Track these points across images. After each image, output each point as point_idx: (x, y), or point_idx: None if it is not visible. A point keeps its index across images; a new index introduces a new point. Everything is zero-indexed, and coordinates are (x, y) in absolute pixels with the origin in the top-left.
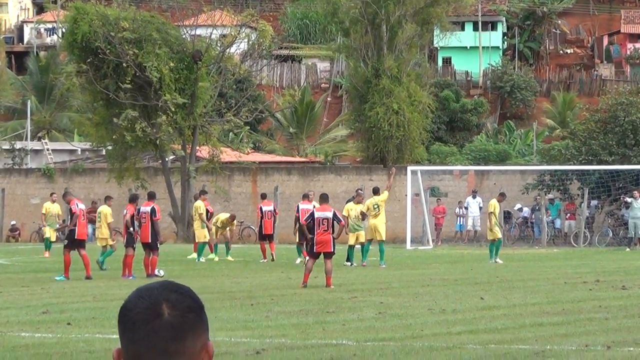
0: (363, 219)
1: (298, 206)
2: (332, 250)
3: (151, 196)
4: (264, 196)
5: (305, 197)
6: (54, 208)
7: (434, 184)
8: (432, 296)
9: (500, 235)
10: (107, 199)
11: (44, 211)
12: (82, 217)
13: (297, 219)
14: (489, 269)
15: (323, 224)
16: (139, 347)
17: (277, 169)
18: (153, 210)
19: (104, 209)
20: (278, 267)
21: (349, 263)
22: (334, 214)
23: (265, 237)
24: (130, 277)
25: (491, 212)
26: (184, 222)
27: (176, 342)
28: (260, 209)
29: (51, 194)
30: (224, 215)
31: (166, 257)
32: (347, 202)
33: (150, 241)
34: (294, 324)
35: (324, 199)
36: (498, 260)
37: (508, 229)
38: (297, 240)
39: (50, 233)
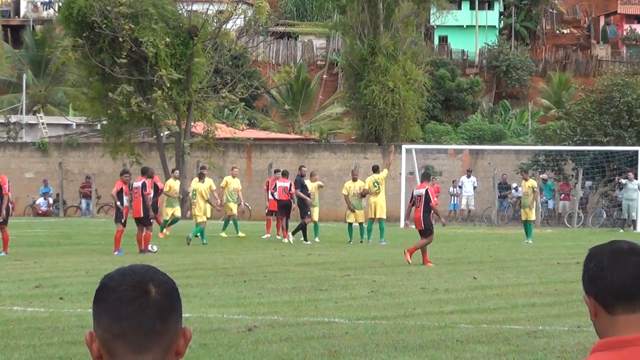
0: (363, 196)
1: (275, 183)
2: (422, 227)
3: (143, 172)
4: (285, 173)
5: (285, 174)
6: (235, 182)
7: (428, 162)
8: (425, 275)
9: (534, 217)
10: (201, 177)
11: (223, 184)
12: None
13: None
14: (482, 248)
15: (418, 201)
16: (125, 325)
17: (272, 146)
18: (144, 185)
19: (199, 186)
20: (272, 244)
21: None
22: (426, 192)
23: (272, 213)
24: (116, 253)
25: (534, 192)
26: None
27: (162, 321)
28: (275, 184)
29: (232, 168)
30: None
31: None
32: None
33: (142, 216)
34: (286, 301)
35: (424, 177)
36: (530, 241)
37: (502, 208)
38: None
39: (232, 207)
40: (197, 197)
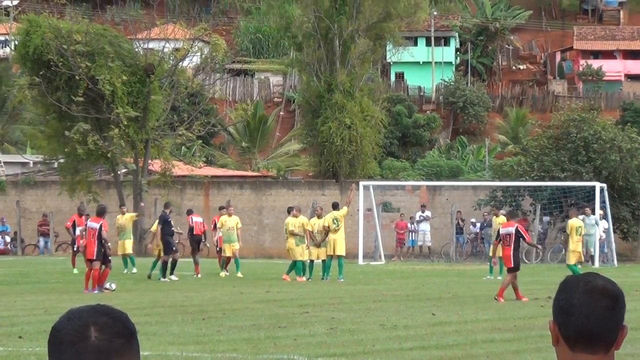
0: (326, 234)
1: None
2: (512, 265)
3: (101, 212)
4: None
5: (190, 212)
6: (231, 221)
7: (386, 199)
8: (384, 311)
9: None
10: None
11: (219, 225)
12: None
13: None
14: (440, 284)
15: (506, 240)
16: None
17: (230, 183)
18: (101, 227)
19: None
20: (230, 282)
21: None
22: (517, 230)
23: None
24: (95, 291)
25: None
26: (136, 235)
27: None
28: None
29: (228, 207)
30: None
31: (119, 270)
32: (310, 219)
33: (95, 257)
34: (245, 338)
35: (511, 215)
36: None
37: (460, 244)
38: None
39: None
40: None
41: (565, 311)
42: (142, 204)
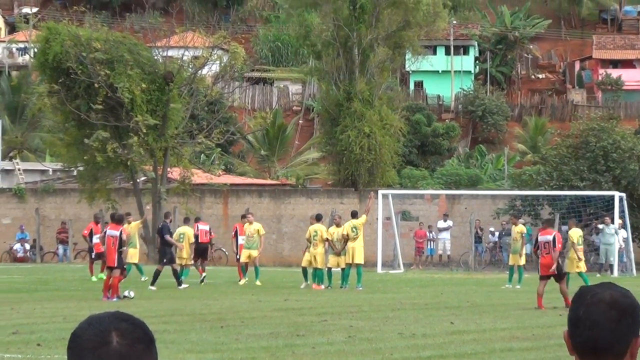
0: (345, 242)
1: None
2: (556, 271)
3: (119, 220)
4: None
5: (197, 219)
6: (250, 229)
7: (405, 207)
8: (402, 320)
9: (523, 262)
10: (186, 221)
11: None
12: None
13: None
14: (459, 293)
15: (545, 248)
16: None
17: (249, 192)
18: (121, 234)
19: (187, 230)
20: (249, 290)
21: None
22: (554, 238)
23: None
24: (114, 299)
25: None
26: (154, 243)
27: None
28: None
29: (248, 215)
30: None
31: (137, 277)
32: (329, 227)
33: (116, 265)
34: (263, 346)
35: (548, 223)
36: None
37: (479, 253)
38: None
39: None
40: (185, 241)
41: (572, 322)
42: (148, 207)
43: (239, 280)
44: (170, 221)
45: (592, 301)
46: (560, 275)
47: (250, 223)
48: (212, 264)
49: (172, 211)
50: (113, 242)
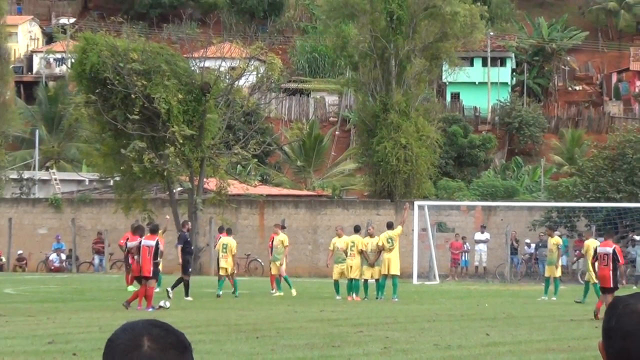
0: (379, 253)
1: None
2: (611, 285)
3: (154, 230)
4: (228, 230)
5: (221, 229)
6: (275, 240)
7: (441, 219)
8: (438, 331)
9: (559, 274)
10: (229, 231)
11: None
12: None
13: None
14: (495, 304)
15: (604, 259)
16: None
17: (285, 202)
18: (157, 245)
19: (230, 241)
20: (285, 301)
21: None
22: (614, 251)
23: None
24: (149, 309)
25: (559, 249)
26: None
27: None
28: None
29: (275, 225)
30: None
31: (180, 288)
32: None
33: (151, 275)
34: (299, 357)
35: (609, 234)
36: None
37: (515, 264)
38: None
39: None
40: (227, 252)
41: (606, 333)
42: (168, 217)
43: (271, 291)
44: (188, 230)
45: (625, 312)
46: (614, 289)
47: (277, 234)
48: (247, 275)
49: (208, 222)
50: (149, 252)
